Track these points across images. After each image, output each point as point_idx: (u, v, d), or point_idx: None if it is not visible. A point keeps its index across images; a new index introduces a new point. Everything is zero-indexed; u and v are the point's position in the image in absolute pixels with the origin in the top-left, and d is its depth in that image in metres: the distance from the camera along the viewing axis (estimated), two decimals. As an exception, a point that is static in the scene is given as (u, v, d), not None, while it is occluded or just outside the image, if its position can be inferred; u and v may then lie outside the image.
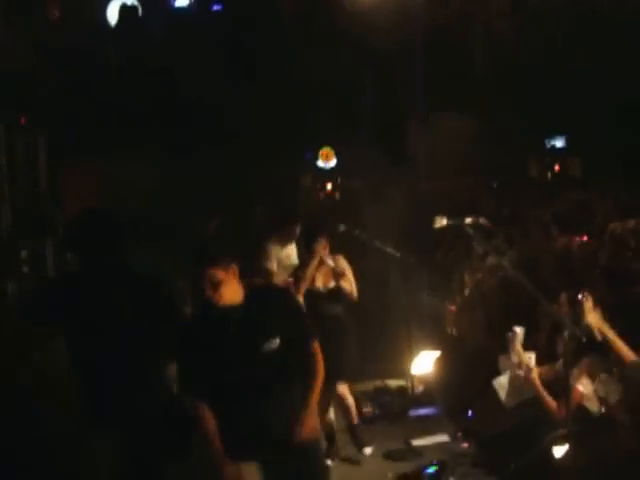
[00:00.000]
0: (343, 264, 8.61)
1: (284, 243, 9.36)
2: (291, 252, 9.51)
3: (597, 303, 7.28)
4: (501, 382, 7.45)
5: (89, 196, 11.34)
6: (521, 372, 7.24)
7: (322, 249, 8.45)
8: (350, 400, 8.75)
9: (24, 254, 10.17)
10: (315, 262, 8.42)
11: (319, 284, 8.57)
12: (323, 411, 8.12)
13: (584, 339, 6.54)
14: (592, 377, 6.75)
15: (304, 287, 8.42)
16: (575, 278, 8.82)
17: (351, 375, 8.82)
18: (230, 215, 12.14)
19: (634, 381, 6.47)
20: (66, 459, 5.95)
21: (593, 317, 6.63)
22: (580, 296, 7.03)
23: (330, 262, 8.46)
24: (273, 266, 9.26)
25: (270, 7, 16.65)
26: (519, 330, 7.32)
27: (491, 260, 9.79)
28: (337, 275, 8.50)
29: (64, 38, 13.20)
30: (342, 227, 9.13)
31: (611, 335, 6.71)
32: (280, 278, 9.31)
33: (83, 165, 12.59)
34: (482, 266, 9.98)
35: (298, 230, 9.45)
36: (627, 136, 15.65)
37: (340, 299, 8.59)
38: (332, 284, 8.56)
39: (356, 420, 8.88)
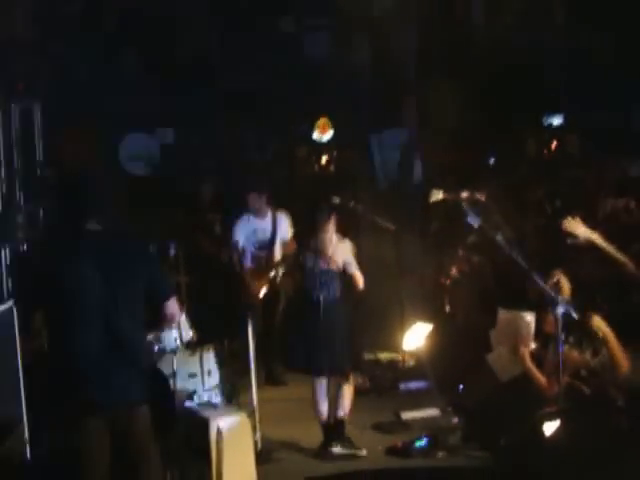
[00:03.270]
0: (348, 248, 7.97)
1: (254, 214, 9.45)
2: (266, 225, 9.52)
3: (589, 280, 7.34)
4: (495, 357, 7.47)
5: (86, 161, 11.34)
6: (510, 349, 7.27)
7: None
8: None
9: (20, 219, 10.18)
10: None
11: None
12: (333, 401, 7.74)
13: (575, 316, 6.58)
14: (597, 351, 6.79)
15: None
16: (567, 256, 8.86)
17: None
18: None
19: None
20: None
21: (582, 230, 6.64)
22: (556, 279, 7.06)
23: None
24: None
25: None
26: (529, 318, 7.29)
27: (472, 238, 9.81)
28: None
29: (61, 5, 13.15)
30: (336, 200, 9.08)
31: (600, 242, 6.68)
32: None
33: (80, 130, 12.57)
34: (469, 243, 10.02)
35: (258, 200, 9.44)
36: (624, 114, 15.67)
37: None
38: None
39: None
